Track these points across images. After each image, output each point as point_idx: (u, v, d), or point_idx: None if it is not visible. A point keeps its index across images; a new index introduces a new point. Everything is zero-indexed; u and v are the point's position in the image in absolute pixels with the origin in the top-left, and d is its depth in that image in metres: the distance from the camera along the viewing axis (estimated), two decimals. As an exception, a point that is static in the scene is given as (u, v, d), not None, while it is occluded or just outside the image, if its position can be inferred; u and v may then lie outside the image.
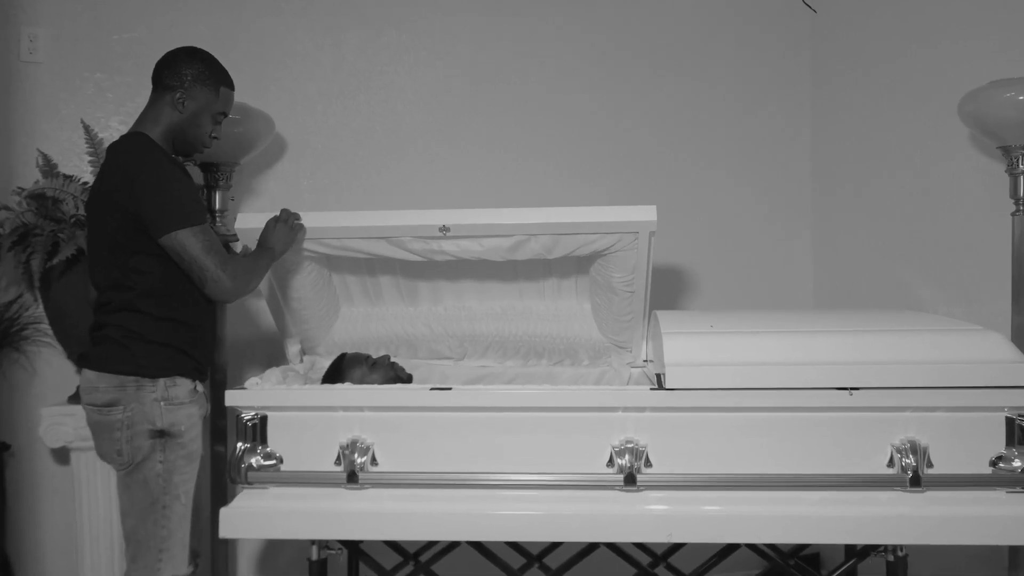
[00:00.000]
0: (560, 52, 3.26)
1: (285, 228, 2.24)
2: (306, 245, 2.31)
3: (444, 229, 2.22)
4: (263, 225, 2.24)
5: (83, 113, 2.84)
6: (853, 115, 3.14)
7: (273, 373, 2.28)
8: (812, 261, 3.32)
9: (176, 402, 2.08)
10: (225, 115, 2.24)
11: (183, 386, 2.10)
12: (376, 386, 2.24)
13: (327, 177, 3.14)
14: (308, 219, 2.28)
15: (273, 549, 3.07)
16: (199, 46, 2.13)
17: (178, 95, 2.14)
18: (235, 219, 2.99)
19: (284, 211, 2.27)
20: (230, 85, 2.24)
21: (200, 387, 2.16)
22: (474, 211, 2.25)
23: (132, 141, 2.12)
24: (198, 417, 2.13)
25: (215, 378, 2.67)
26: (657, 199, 3.20)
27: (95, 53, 2.94)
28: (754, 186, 3.34)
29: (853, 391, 1.96)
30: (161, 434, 2.07)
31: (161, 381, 2.07)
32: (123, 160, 2.08)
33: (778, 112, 3.36)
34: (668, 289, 3.28)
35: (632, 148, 3.28)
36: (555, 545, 2.37)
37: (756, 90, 3.35)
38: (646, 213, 2.18)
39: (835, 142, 3.24)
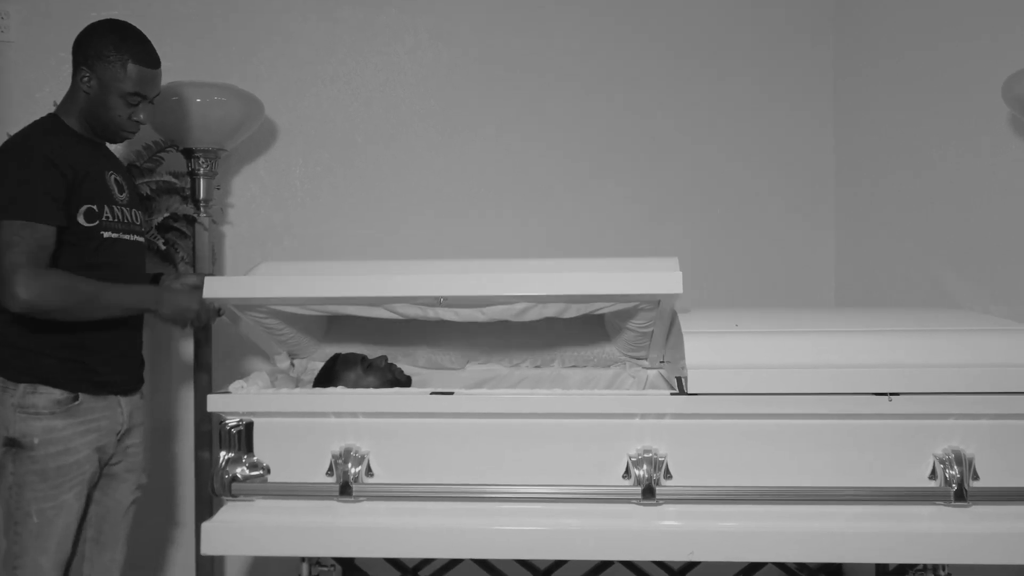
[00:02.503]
0: (570, 36, 3.08)
1: (189, 299, 2.04)
2: (286, 308, 2.03)
3: (441, 300, 1.96)
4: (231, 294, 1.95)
5: (58, 95, 2.60)
6: (879, 104, 2.98)
7: (260, 376, 2.11)
8: (834, 256, 3.16)
9: (31, 411, 1.91)
10: (142, 96, 2.01)
11: (46, 395, 1.92)
12: (372, 390, 2.08)
13: (320, 164, 2.98)
14: (281, 286, 1.93)
15: (263, 564, 2.92)
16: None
17: (83, 73, 1.99)
18: (223, 211, 2.86)
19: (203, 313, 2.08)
20: (147, 62, 2.01)
21: (84, 398, 1.97)
22: (476, 277, 1.93)
23: (32, 123, 2.01)
24: (71, 432, 1.95)
25: (199, 380, 2.50)
26: (672, 190, 3.13)
27: (71, 31, 2.73)
28: (773, 178, 3.17)
29: (892, 396, 1.81)
30: (12, 443, 1.90)
31: (21, 386, 1.91)
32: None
33: (799, 101, 3.18)
34: (684, 284, 3.10)
35: (647, 138, 3.11)
36: (564, 559, 2.22)
37: (776, 79, 3.17)
38: (671, 283, 1.86)
39: (860, 132, 3.08)
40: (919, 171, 2.78)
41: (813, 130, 3.19)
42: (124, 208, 2.07)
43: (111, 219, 2.02)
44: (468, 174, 3.04)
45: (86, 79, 1.97)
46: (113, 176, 2.09)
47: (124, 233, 2.06)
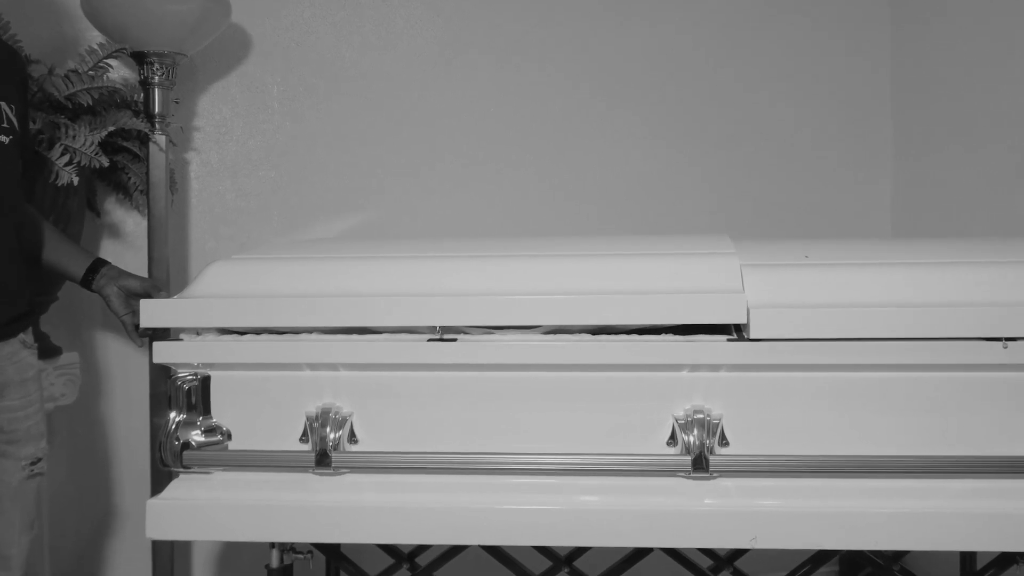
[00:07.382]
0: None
1: (118, 296, 1.90)
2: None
3: (441, 330, 1.65)
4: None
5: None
6: (946, 19, 2.67)
7: (221, 319, 1.76)
8: (891, 188, 2.88)
9: None
10: None
11: None
12: (355, 336, 1.72)
13: (301, 83, 2.64)
14: (231, 312, 1.65)
15: (233, 555, 2.63)
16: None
17: None
18: (184, 131, 2.49)
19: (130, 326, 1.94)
20: None
21: None
22: (481, 302, 1.59)
23: None
24: None
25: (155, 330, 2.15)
26: (714, 121, 2.81)
27: None
28: (824, 101, 2.88)
29: (1008, 342, 1.48)
30: None
31: None
32: None
33: (852, 18, 2.89)
34: (728, 221, 2.82)
35: (685, 66, 2.81)
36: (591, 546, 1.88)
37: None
38: (731, 309, 1.53)
39: (922, 51, 2.78)
40: (997, 84, 2.43)
41: (868, 44, 2.90)
42: None
43: None
44: (474, 93, 2.72)
45: None
46: None
47: None
